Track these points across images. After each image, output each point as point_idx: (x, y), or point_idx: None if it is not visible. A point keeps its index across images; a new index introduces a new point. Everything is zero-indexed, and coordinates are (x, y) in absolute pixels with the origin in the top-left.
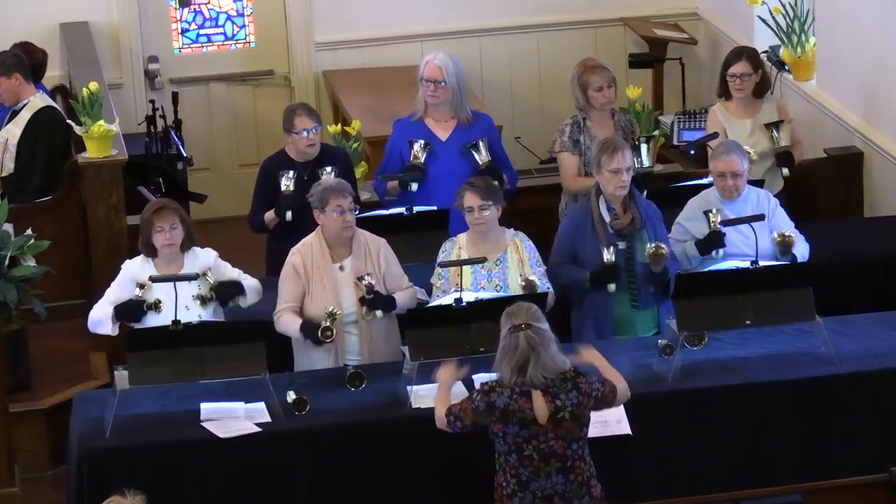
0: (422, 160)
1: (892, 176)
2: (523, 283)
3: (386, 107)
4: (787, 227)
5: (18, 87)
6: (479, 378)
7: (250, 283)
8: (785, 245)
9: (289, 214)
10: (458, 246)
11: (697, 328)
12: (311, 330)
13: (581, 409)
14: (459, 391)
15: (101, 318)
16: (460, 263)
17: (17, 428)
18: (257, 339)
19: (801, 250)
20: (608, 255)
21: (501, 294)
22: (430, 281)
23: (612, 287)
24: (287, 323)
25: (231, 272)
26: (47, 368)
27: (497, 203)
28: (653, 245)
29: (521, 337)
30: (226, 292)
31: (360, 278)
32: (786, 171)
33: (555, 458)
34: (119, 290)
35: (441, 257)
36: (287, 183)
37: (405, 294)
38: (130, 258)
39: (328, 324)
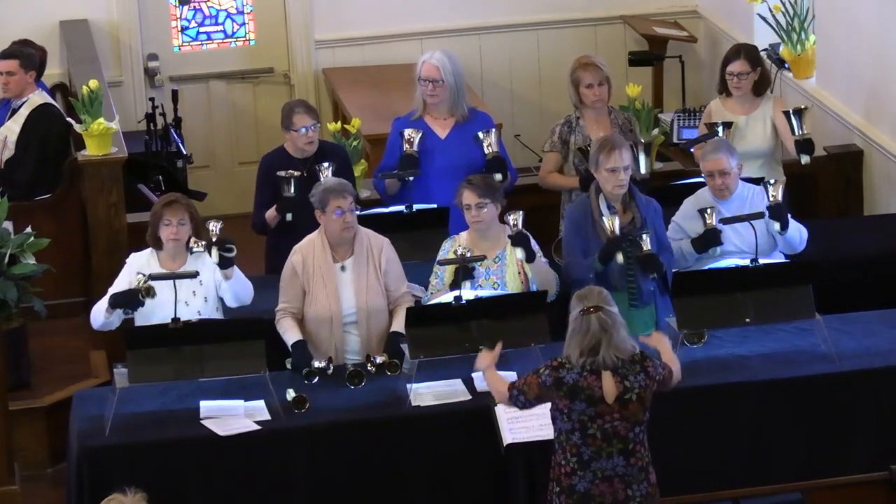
0: (415, 147)
1: (892, 174)
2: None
3: (386, 105)
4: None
5: (26, 84)
6: (478, 376)
7: (244, 280)
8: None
9: (289, 216)
10: (457, 244)
11: (697, 326)
12: (299, 358)
13: (646, 392)
14: (460, 389)
15: (97, 309)
16: (460, 261)
17: (16, 426)
18: (257, 336)
19: (800, 231)
20: (610, 224)
21: (501, 292)
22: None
23: (619, 258)
24: (284, 330)
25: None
26: (47, 366)
27: (496, 201)
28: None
29: (594, 319)
30: (224, 251)
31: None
32: (805, 158)
33: (617, 440)
34: (123, 284)
35: (441, 256)
36: (288, 187)
37: (400, 321)
38: (137, 251)
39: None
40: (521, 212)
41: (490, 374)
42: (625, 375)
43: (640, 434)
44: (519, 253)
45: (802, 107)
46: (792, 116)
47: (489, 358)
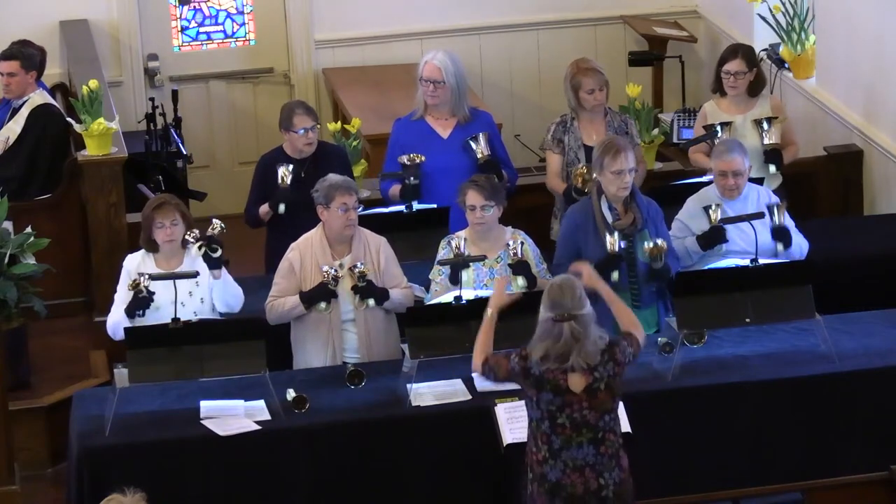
0: (417, 163)
1: (892, 174)
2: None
3: (386, 105)
4: (787, 224)
5: (27, 84)
6: (479, 376)
7: (234, 286)
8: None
9: (281, 207)
10: (457, 243)
11: (697, 326)
12: (313, 290)
13: (616, 380)
14: (460, 389)
15: (117, 321)
16: (461, 261)
17: (17, 426)
18: (257, 336)
19: (800, 247)
20: (611, 244)
21: None
22: (429, 277)
23: (614, 276)
24: (281, 304)
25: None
26: (47, 366)
27: (499, 203)
28: (650, 243)
29: (566, 328)
30: (214, 258)
31: (353, 267)
32: (773, 168)
33: (587, 429)
34: (126, 289)
35: (440, 255)
36: (284, 176)
37: (402, 292)
38: (131, 253)
39: (331, 277)
40: (521, 240)
41: (487, 327)
42: (594, 368)
43: (611, 422)
44: (520, 281)
45: (775, 117)
46: (763, 123)
47: (502, 299)
